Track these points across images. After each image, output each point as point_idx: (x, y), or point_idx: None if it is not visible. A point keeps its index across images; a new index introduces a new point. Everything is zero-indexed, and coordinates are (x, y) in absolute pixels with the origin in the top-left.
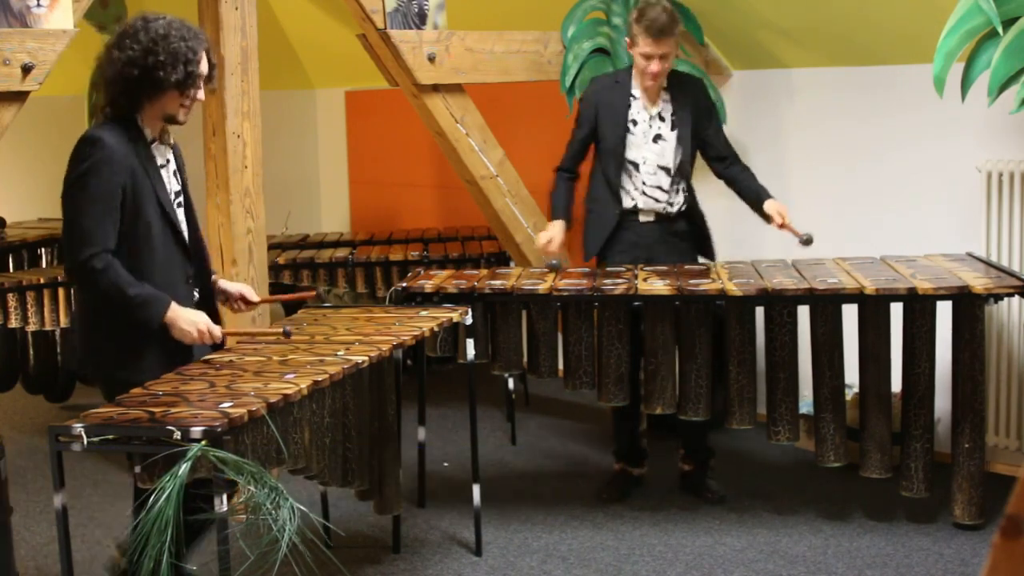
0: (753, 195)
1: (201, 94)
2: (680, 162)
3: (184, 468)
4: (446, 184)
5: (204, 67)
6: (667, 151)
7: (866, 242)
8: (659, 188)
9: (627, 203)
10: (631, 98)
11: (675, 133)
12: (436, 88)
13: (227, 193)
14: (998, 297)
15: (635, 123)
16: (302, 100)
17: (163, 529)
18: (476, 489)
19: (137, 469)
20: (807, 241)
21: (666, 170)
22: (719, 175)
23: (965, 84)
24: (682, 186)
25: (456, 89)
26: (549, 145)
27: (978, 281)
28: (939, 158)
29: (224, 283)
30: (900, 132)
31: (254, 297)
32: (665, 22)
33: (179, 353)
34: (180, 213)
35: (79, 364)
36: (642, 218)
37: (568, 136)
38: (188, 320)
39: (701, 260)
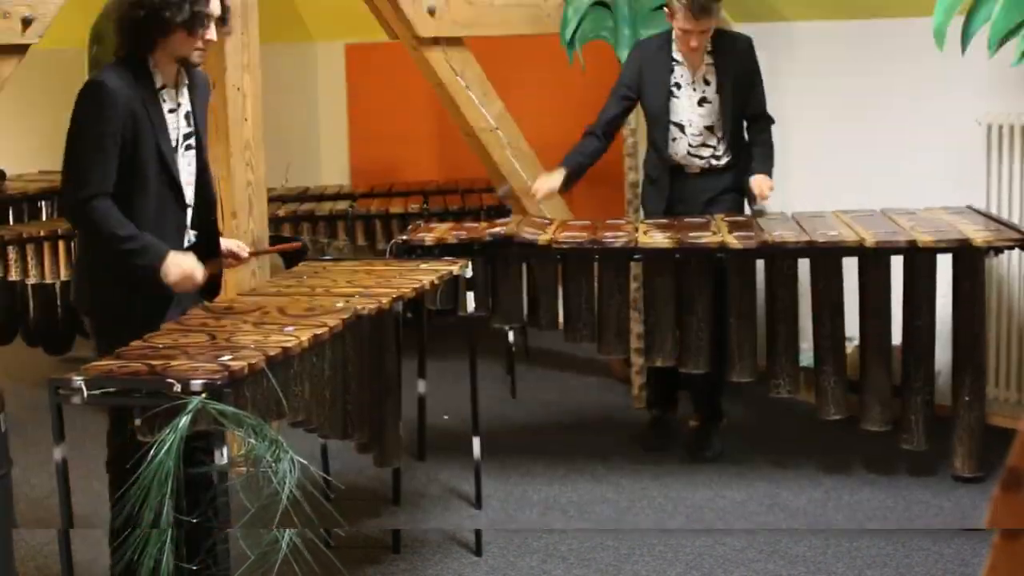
0: (751, 167)
1: (213, 34)
2: (726, 121)
3: (184, 421)
4: (446, 137)
5: (215, 7)
6: (713, 112)
7: (866, 195)
8: (704, 146)
9: (671, 162)
10: (674, 63)
11: (720, 95)
12: (436, 41)
13: (227, 146)
14: (998, 250)
15: (679, 87)
16: (302, 53)
17: (163, 481)
18: (476, 442)
19: (137, 422)
20: (758, 212)
21: (711, 129)
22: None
23: (965, 37)
24: (729, 141)
25: (456, 42)
26: (549, 98)
27: (978, 234)
28: (939, 111)
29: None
30: (900, 85)
31: (244, 253)
32: (706, 1)
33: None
34: (189, 157)
35: (74, 294)
36: (688, 171)
37: (577, 91)
38: (174, 263)
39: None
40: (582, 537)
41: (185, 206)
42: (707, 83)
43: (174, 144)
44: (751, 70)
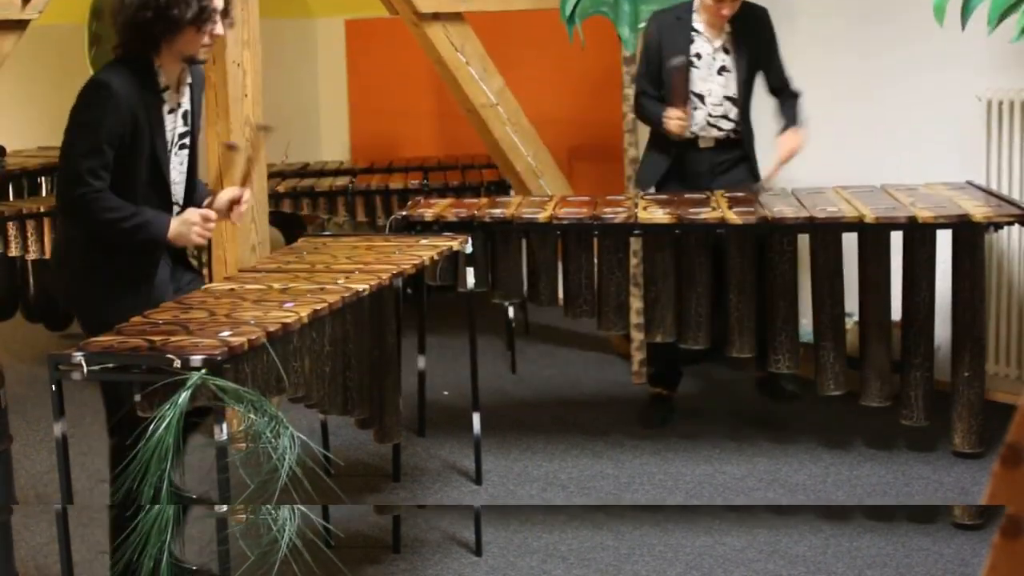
0: (782, 123)
1: (220, 29)
2: (745, 91)
3: (184, 396)
4: (446, 112)
5: (219, 1)
6: (731, 82)
7: (866, 171)
8: (725, 118)
9: (687, 134)
10: (693, 32)
11: (739, 64)
12: (436, 16)
13: (227, 122)
14: (998, 225)
15: (699, 56)
16: (302, 29)
17: (163, 457)
18: (476, 418)
19: (137, 397)
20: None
21: (732, 100)
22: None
23: (965, 12)
24: (743, 112)
25: (456, 18)
26: (549, 73)
27: (978, 209)
28: (939, 87)
29: (216, 200)
30: (900, 61)
31: (245, 194)
32: None
33: (146, 288)
34: (182, 156)
35: (63, 297)
36: (702, 144)
37: (577, 67)
38: (181, 221)
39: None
40: (582, 466)
41: (171, 204)
42: (727, 52)
43: (169, 144)
44: (769, 39)
